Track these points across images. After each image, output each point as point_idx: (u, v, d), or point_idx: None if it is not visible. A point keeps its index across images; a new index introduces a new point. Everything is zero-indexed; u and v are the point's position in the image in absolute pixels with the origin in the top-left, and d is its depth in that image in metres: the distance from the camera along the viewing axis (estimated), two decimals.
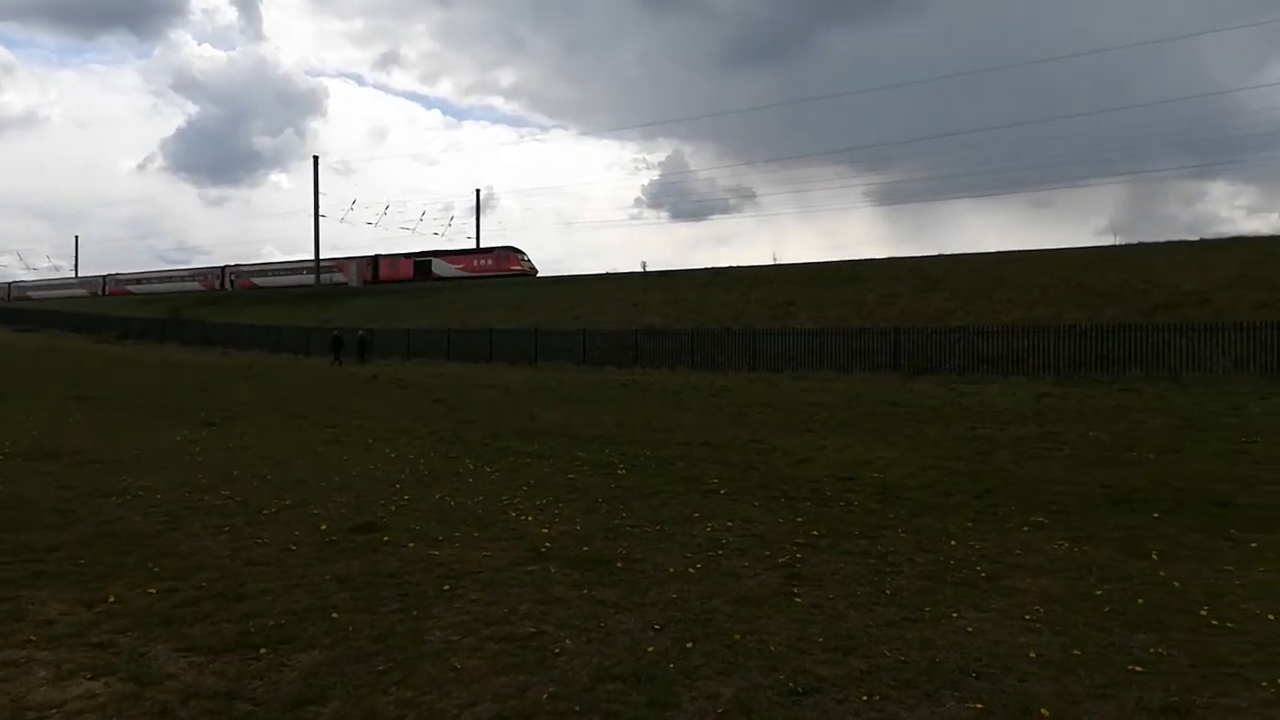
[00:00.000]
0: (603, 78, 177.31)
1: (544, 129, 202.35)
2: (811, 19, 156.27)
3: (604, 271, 50.16)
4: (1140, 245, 34.25)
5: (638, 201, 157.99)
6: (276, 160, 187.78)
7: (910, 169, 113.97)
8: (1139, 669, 4.43)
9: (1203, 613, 5.25)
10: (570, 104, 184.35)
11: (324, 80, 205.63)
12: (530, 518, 8.04)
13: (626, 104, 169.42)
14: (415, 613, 5.34)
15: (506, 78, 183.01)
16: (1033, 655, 4.63)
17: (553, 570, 6.34)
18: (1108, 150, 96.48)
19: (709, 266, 45.74)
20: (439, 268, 58.42)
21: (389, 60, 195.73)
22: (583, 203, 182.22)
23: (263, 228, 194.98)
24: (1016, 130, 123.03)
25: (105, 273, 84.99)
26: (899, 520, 7.80)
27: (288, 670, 4.44)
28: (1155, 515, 7.77)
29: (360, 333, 37.98)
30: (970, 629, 5.05)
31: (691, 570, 6.30)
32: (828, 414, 15.98)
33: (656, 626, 5.13)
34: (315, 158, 61.72)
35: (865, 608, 5.48)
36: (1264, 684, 4.22)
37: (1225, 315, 22.67)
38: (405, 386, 24.25)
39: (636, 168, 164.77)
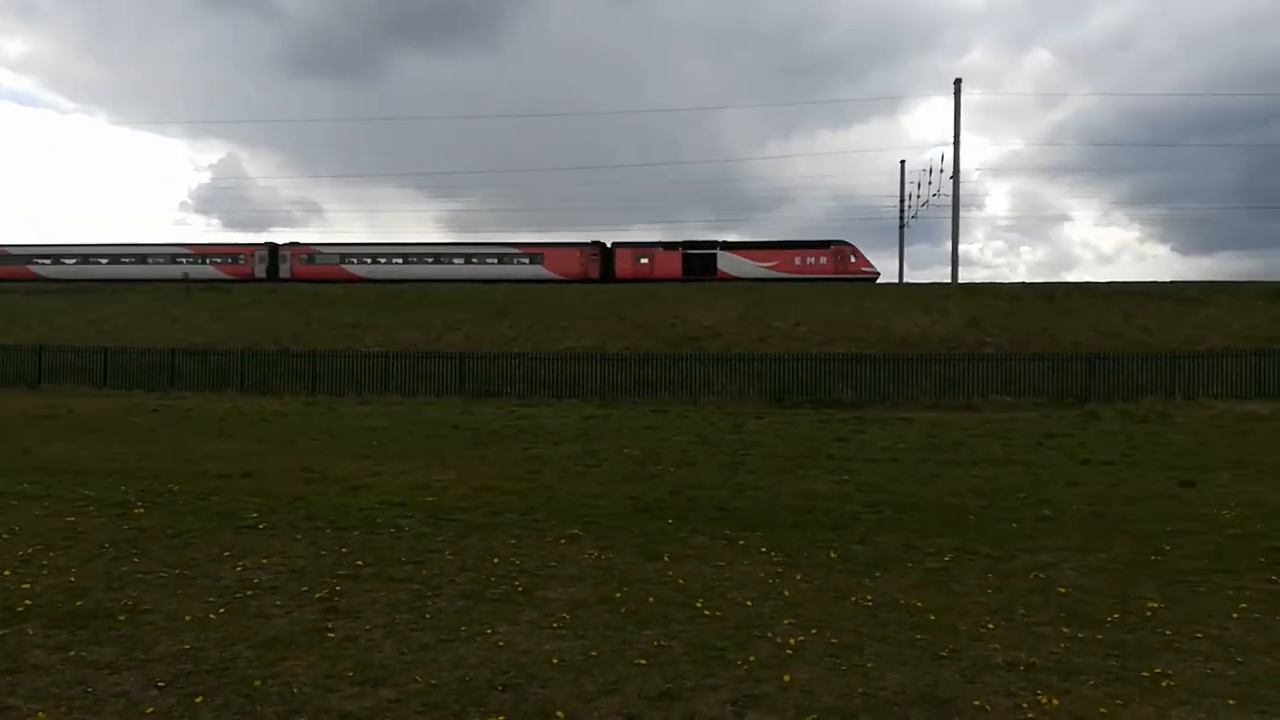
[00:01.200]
0: (142, 62, 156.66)
1: (64, 112, 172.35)
2: (386, 37, 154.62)
3: (134, 280, 44.02)
4: (671, 282, 39.37)
5: (184, 205, 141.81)
6: None
7: (479, 199, 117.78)
8: (643, 661, 4.94)
9: (698, 604, 6.04)
10: (101, 86, 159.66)
11: None
12: (8, 572, 6.67)
13: (171, 95, 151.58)
14: None
15: (14, 47, 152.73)
16: (555, 661, 4.93)
17: (30, 633, 5.31)
18: (648, 200, 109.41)
19: (265, 282, 42.59)
20: (729, 264, 44.59)
21: None
22: (113, 201, 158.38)
23: None
24: (575, 174, 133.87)
25: None
26: (447, 543, 7.87)
27: None
28: (670, 521, 8.81)
29: None
30: (502, 643, 5.23)
31: (213, 616, 5.69)
32: (388, 439, 15.68)
33: (161, 684, 4.53)
34: None
35: (403, 635, 5.40)
36: (739, 663, 4.95)
37: (733, 347, 26.87)
38: None
39: (186, 168, 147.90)
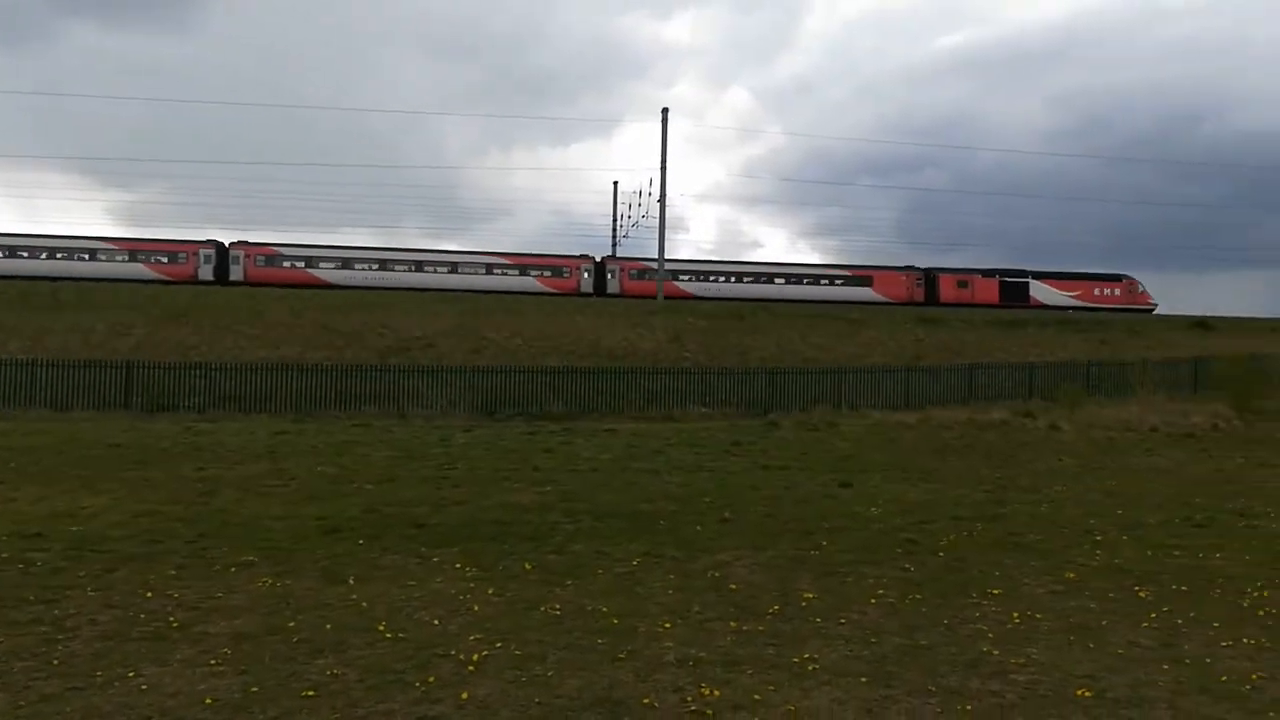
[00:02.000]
0: None
1: None
2: (52, 3, 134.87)
3: None
4: (383, 291, 37.88)
5: None
6: None
7: (160, 190, 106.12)
8: (312, 693, 4.59)
9: (380, 628, 5.75)
10: None
11: None
12: None
13: None
14: None
15: None
16: (209, 701, 4.45)
17: None
18: (371, 201, 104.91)
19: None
20: (1040, 292, 43.03)
21: None
22: None
23: None
24: (300, 170, 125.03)
25: None
26: (90, 578, 6.87)
27: None
28: (360, 542, 8.36)
29: None
30: (145, 686, 4.63)
31: None
32: (29, 460, 13.47)
33: None
34: None
35: (20, 687, 4.61)
36: (418, 684, 4.76)
37: (446, 359, 26.30)
38: None
39: None
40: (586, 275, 45.13)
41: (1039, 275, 47.21)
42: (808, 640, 5.61)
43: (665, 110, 38.50)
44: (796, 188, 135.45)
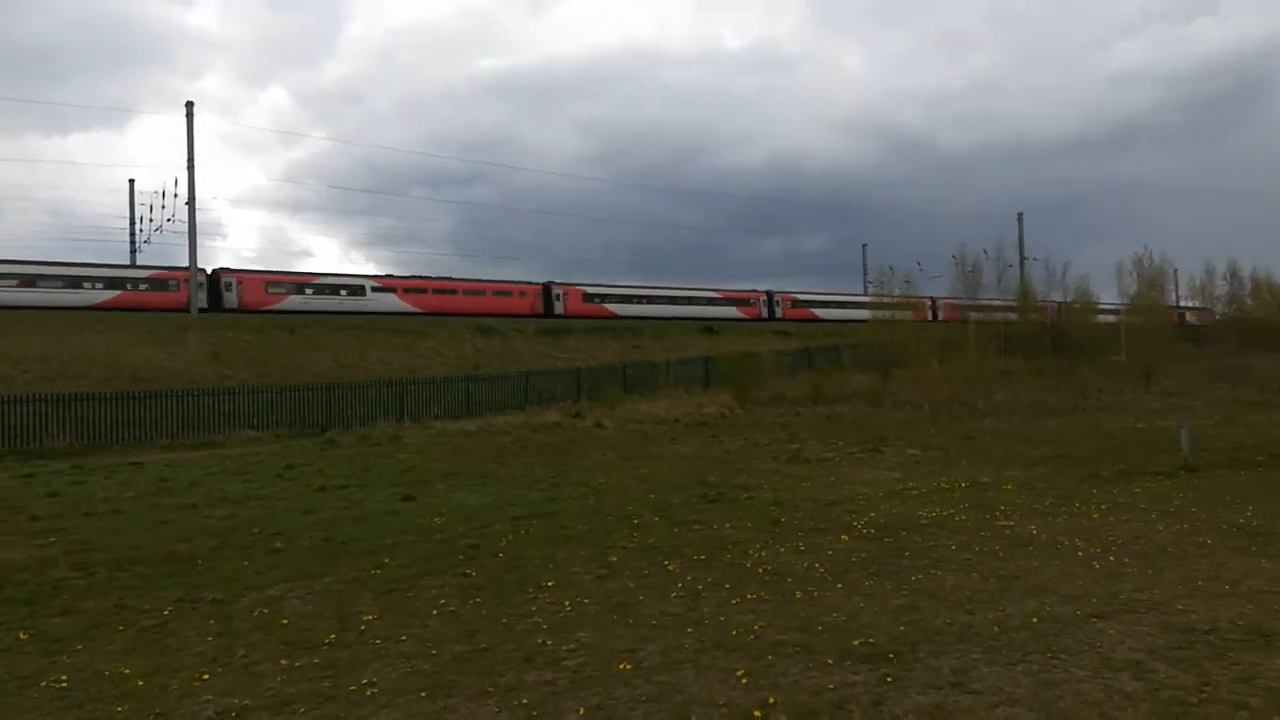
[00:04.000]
0: None
1: None
2: None
3: None
4: None
5: None
6: None
7: None
8: None
9: None
10: None
11: None
12: None
13: None
14: None
15: None
16: None
17: None
18: None
19: None
20: None
21: None
22: None
23: None
24: None
25: None
26: None
27: None
28: None
29: None
30: None
31: None
32: None
33: None
34: None
35: None
36: None
37: None
38: None
39: None
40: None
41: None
42: (368, 664, 5.41)
43: (190, 104, 34.40)
44: (346, 196, 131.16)
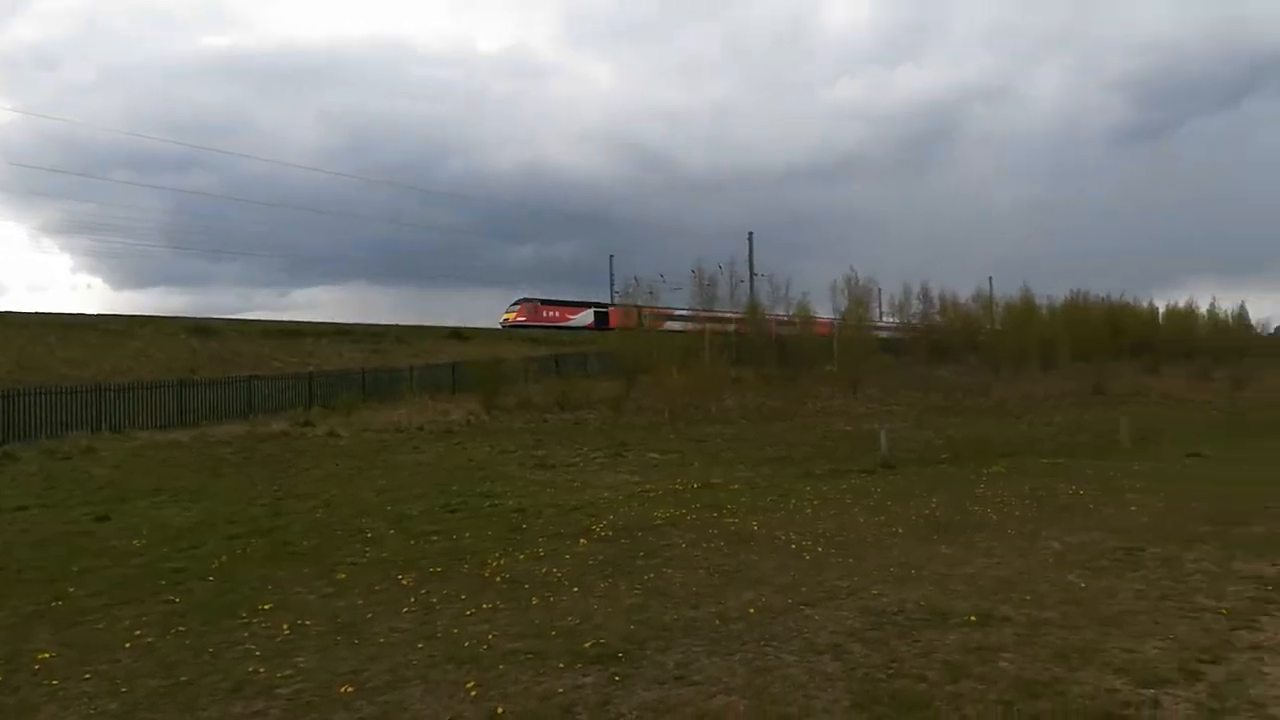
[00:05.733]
0: None
1: None
2: None
3: None
4: None
5: None
6: None
7: None
8: None
9: None
10: None
11: None
12: None
13: None
14: None
15: None
16: None
17: None
18: None
19: None
20: None
21: None
22: None
23: None
24: None
25: None
26: None
27: None
28: None
29: None
30: None
31: None
32: None
33: None
34: None
35: None
36: None
37: None
38: None
39: None
40: None
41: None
42: (39, 709, 4.69)
43: None
44: (33, 175, 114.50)
